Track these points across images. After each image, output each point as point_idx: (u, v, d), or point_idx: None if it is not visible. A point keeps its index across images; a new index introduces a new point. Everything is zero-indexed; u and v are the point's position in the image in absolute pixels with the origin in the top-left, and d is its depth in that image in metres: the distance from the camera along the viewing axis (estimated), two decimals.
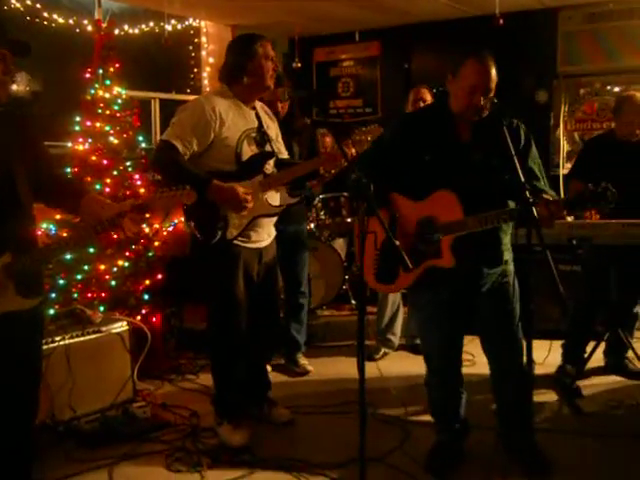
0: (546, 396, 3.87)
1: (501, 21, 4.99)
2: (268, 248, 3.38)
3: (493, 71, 2.75)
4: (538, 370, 3.95)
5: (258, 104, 3.35)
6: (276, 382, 4.07)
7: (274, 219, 3.35)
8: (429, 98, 4.51)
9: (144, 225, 4.59)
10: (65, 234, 4.02)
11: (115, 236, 4.32)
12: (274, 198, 3.28)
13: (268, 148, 3.26)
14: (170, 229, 5.56)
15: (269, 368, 4.35)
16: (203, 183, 2.97)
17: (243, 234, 3.17)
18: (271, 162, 3.26)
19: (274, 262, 3.48)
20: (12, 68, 2.24)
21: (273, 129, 3.39)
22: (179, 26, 6.45)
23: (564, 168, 6.15)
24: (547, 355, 4.25)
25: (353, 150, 3.17)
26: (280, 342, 4.41)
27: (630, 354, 4.15)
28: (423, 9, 6.05)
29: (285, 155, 3.45)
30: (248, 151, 3.16)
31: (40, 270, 2.37)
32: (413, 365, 4.25)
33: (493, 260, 2.90)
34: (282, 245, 4.11)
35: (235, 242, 3.16)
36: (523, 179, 2.63)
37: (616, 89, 6.07)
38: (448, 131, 2.86)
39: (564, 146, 6.24)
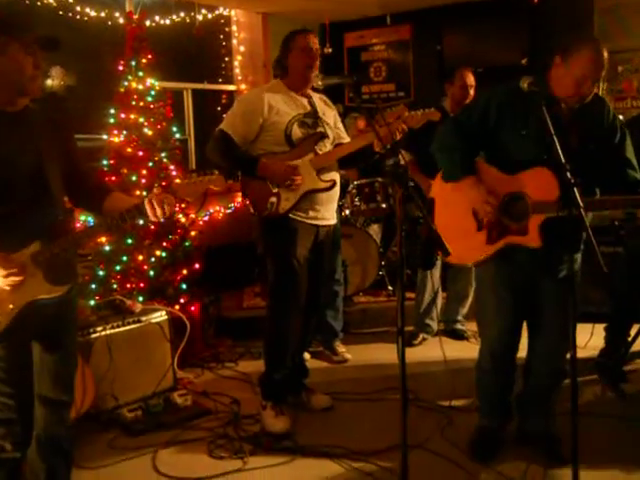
0: (589, 380, 3.81)
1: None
2: (326, 228, 3.46)
3: (606, 61, 2.70)
4: (580, 354, 3.86)
5: (316, 95, 3.52)
6: (314, 369, 4.09)
7: (335, 197, 3.46)
8: (474, 81, 4.47)
9: (180, 215, 4.64)
10: None
11: (152, 227, 4.40)
12: (328, 175, 3.38)
13: (320, 130, 3.39)
14: (206, 218, 5.62)
15: (307, 356, 4.37)
16: (252, 162, 3.28)
17: (301, 209, 3.31)
18: (327, 144, 3.42)
19: (328, 244, 3.54)
20: (42, 63, 2.26)
21: (331, 116, 3.53)
22: (209, 15, 6.45)
23: None
24: (589, 339, 4.17)
25: (402, 128, 3.21)
26: (317, 329, 4.41)
27: None
28: None
29: (347, 140, 3.54)
30: (298, 133, 3.32)
31: (70, 258, 2.40)
32: (452, 350, 4.21)
33: (574, 246, 2.82)
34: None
35: (292, 216, 3.30)
36: (564, 160, 2.57)
37: None
38: (549, 112, 2.68)
39: None
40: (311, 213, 3.36)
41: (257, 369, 3.72)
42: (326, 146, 3.41)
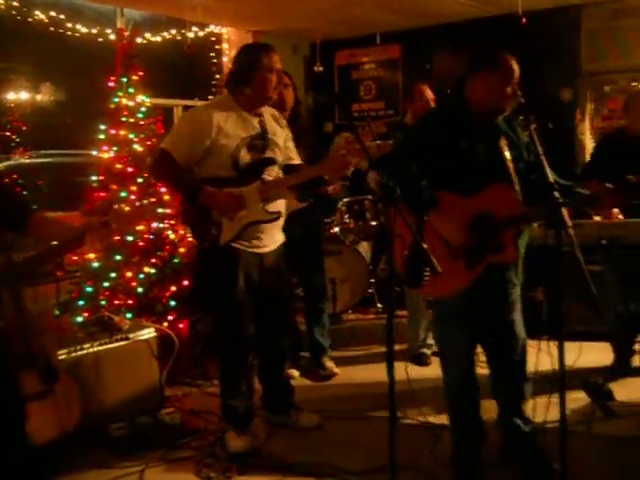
0: (578, 398, 3.82)
1: (524, 20, 4.95)
2: (271, 254, 3.33)
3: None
4: (568, 373, 3.89)
5: (268, 111, 3.35)
6: (303, 387, 4.08)
7: (279, 225, 3.33)
8: (432, 94, 4.49)
9: (169, 232, 4.63)
10: None
11: (141, 243, 4.39)
12: (274, 205, 3.25)
13: (269, 154, 3.26)
14: None
15: (296, 373, 4.35)
16: (195, 189, 3.09)
17: (244, 238, 3.18)
18: (275, 168, 3.27)
19: (279, 268, 3.41)
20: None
21: (281, 135, 3.37)
22: (200, 33, 6.49)
23: None
24: (578, 357, 4.18)
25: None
26: (298, 348, 4.42)
27: None
28: (444, 10, 6.02)
29: (297, 161, 3.43)
30: (246, 157, 3.17)
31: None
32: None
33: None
34: (298, 250, 4.12)
35: (235, 245, 3.17)
36: (551, 179, 2.60)
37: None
38: (474, 127, 2.88)
39: (590, 145, 6.16)
40: (254, 242, 3.22)
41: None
42: (274, 170, 3.26)
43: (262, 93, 3.18)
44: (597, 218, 4.40)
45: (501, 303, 2.97)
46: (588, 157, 6.14)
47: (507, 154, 2.84)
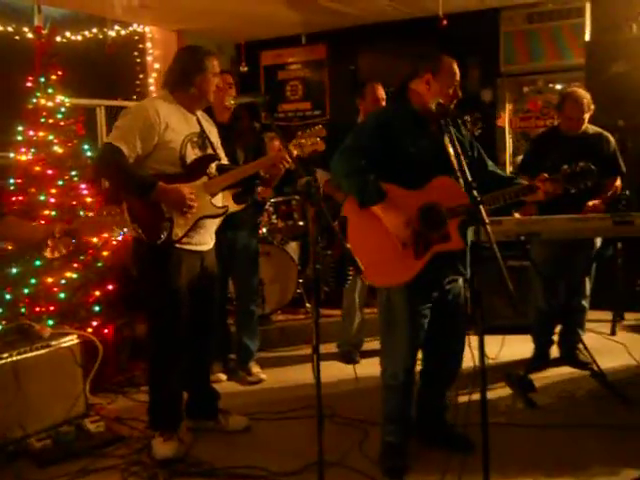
0: (500, 391, 3.94)
1: (445, 22, 5.06)
2: (209, 253, 3.38)
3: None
4: (491, 365, 4.00)
5: (199, 112, 3.39)
6: (232, 390, 4.07)
7: (217, 222, 3.36)
8: (384, 94, 4.53)
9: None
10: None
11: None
12: (218, 199, 3.30)
13: (210, 152, 3.31)
14: (119, 238, 5.48)
15: (224, 377, 4.31)
16: (149, 186, 3.06)
17: (187, 235, 3.18)
18: (213, 166, 3.31)
19: (214, 268, 3.44)
20: None
21: (214, 135, 3.43)
22: (123, 32, 6.36)
23: (510, 165, 6.27)
24: (499, 350, 4.30)
25: (295, 152, 3.27)
26: (227, 350, 4.39)
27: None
28: (367, 11, 6.10)
29: (225, 161, 3.46)
30: (191, 154, 3.20)
31: None
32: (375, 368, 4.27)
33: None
34: (233, 252, 4.11)
35: (177, 246, 3.17)
36: (470, 179, 2.67)
37: (558, 86, 6.22)
38: (424, 127, 3.02)
39: (510, 144, 6.35)
40: (196, 239, 3.23)
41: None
42: (212, 168, 3.29)
43: (205, 95, 3.24)
44: (517, 215, 4.55)
45: (447, 291, 3.08)
46: (508, 156, 6.36)
47: (451, 151, 2.90)
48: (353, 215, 3.04)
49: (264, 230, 5.17)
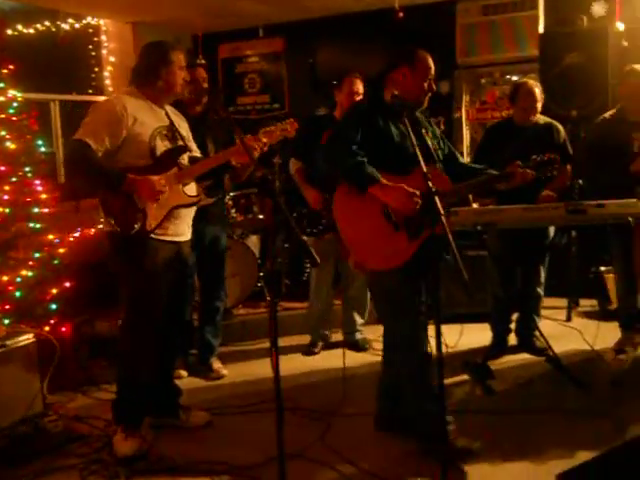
0: (458, 379, 3.99)
1: (401, 14, 5.09)
2: (186, 244, 3.40)
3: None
4: (450, 354, 4.07)
5: (168, 107, 3.42)
6: (193, 386, 4.06)
7: (192, 212, 3.38)
8: (362, 88, 4.53)
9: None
10: None
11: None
12: (191, 189, 3.32)
13: (180, 144, 3.33)
14: (76, 235, 5.40)
15: (185, 374, 4.29)
16: (118, 177, 3.10)
17: (162, 226, 3.20)
18: (185, 157, 3.34)
19: (189, 260, 3.49)
20: None
21: (184, 128, 3.46)
22: (77, 25, 6.25)
23: (468, 156, 6.33)
24: (459, 339, 4.37)
25: (264, 139, 3.29)
26: (188, 345, 4.36)
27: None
28: (325, 3, 6.09)
29: (197, 153, 3.49)
30: (161, 146, 3.23)
31: None
32: (349, 361, 4.33)
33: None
34: (202, 247, 4.09)
35: (153, 236, 3.19)
36: (425, 169, 2.71)
37: (515, 78, 6.29)
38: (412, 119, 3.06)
39: (467, 135, 6.42)
40: (172, 229, 3.25)
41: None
42: (184, 159, 3.33)
43: (172, 88, 3.29)
44: (475, 205, 4.61)
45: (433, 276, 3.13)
46: (466, 148, 6.43)
47: (429, 142, 3.06)
48: (344, 204, 3.09)
49: None
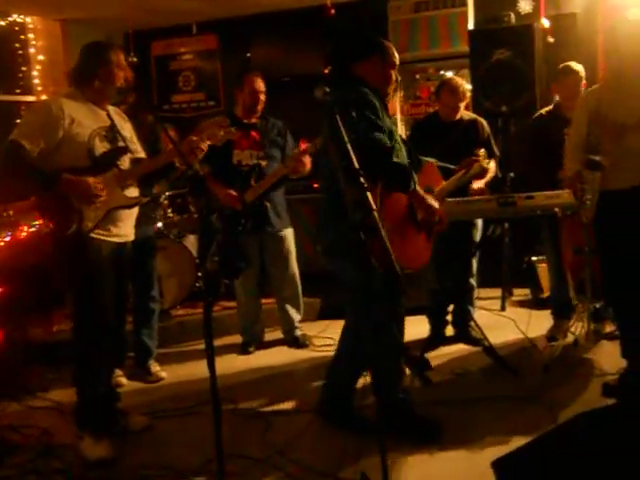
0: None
1: (332, 11, 5.11)
2: (128, 246, 3.38)
3: None
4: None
5: (111, 107, 3.40)
6: (131, 390, 4.01)
7: (135, 213, 3.36)
8: (263, 86, 4.53)
9: None
10: None
11: None
12: (131, 190, 3.29)
13: (121, 145, 3.30)
14: (7, 238, 5.25)
15: (124, 381, 4.21)
16: (52, 177, 3.06)
17: (103, 227, 3.18)
18: (126, 159, 3.31)
19: (129, 262, 3.46)
20: None
21: (127, 130, 3.43)
22: (2, 22, 6.06)
23: None
24: None
25: (209, 142, 3.25)
26: (126, 349, 4.28)
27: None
28: (258, 0, 6.06)
29: (142, 155, 3.46)
30: (100, 147, 3.20)
31: None
32: (280, 357, 4.33)
33: None
34: (133, 248, 4.01)
35: (95, 235, 3.15)
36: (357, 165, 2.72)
37: (449, 73, 6.40)
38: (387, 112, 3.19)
39: (402, 131, 6.50)
40: (113, 230, 3.23)
41: (71, 396, 3.52)
42: (125, 161, 3.30)
43: (110, 88, 3.27)
44: None
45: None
46: None
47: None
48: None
49: (159, 224, 5.06)
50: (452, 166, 3.42)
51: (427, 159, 3.45)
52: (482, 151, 3.68)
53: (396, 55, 3.21)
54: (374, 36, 3.29)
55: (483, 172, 3.90)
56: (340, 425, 3.32)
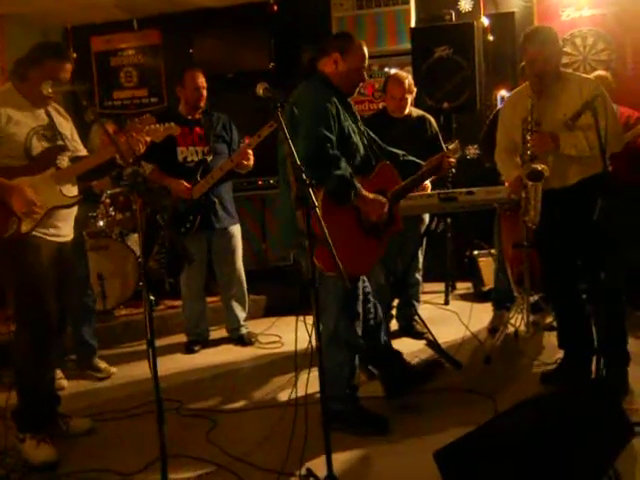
0: None
1: (275, 7, 5.09)
2: (67, 245, 3.31)
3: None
4: None
5: (52, 105, 3.31)
6: (74, 393, 3.94)
7: (74, 212, 3.30)
8: (204, 82, 4.50)
9: None
10: None
11: None
12: (69, 189, 3.23)
13: (60, 143, 3.22)
14: None
15: (65, 383, 4.10)
16: None
17: (42, 226, 3.11)
18: (65, 158, 3.24)
19: (71, 262, 3.40)
20: None
21: (67, 128, 3.36)
22: None
23: None
24: None
25: (149, 138, 3.19)
26: (66, 350, 4.21)
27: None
28: None
29: (83, 152, 3.40)
30: (38, 146, 3.12)
31: None
32: (226, 355, 4.28)
33: None
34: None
35: (35, 233, 3.09)
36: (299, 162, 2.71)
37: (393, 70, 6.44)
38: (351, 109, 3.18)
39: None
40: (52, 230, 3.17)
41: (10, 399, 3.43)
42: (65, 160, 3.23)
43: (38, 90, 3.13)
44: None
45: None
46: None
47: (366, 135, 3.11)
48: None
49: (101, 223, 4.97)
50: (422, 162, 3.41)
51: (412, 159, 3.46)
52: (453, 146, 3.57)
53: (363, 53, 3.12)
54: (341, 33, 3.28)
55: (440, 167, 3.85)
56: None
